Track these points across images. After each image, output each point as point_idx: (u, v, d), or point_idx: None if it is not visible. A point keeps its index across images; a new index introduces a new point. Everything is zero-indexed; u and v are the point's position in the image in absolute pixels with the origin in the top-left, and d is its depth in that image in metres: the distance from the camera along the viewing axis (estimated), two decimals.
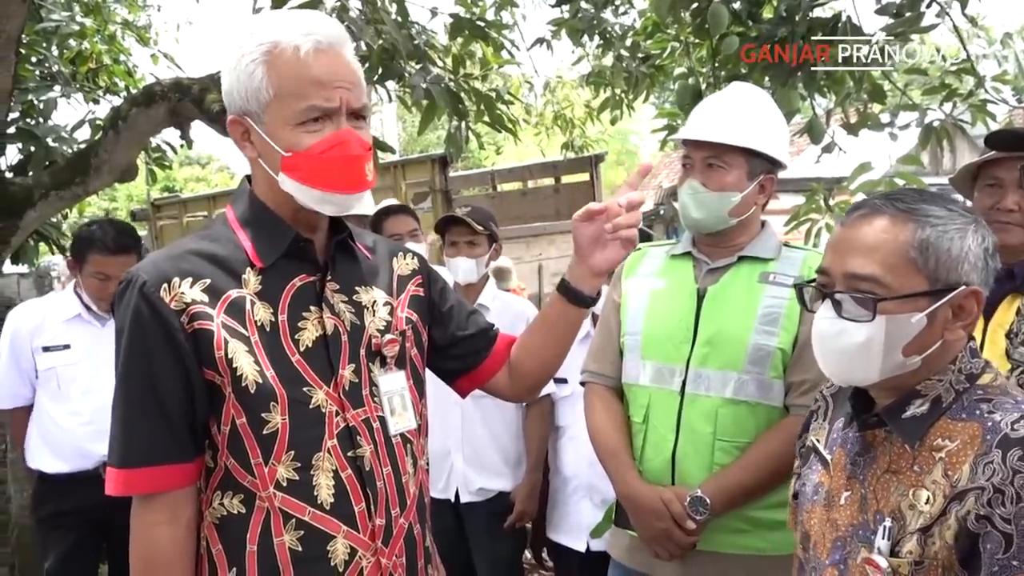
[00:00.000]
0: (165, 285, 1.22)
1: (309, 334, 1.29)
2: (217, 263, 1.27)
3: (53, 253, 5.13)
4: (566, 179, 7.94)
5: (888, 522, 1.09)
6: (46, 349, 2.70)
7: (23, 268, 4.65)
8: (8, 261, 3.99)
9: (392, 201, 3.91)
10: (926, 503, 1.07)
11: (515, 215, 7.51)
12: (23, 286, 3.75)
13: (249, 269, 1.28)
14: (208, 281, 1.25)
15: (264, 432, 1.24)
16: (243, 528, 1.26)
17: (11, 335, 2.72)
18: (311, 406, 1.27)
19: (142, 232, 11.81)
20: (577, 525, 2.69)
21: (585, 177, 7.75)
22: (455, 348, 1.52)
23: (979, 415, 1.08)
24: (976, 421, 1.08)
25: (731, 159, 1.83)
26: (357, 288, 1.37)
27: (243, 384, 1.23)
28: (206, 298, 1.24)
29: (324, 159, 1.23)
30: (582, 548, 2.69)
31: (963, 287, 1.10)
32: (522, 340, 1.55)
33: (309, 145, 1.23)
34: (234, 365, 1.23)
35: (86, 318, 2.76)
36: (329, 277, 1.33)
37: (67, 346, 2.72)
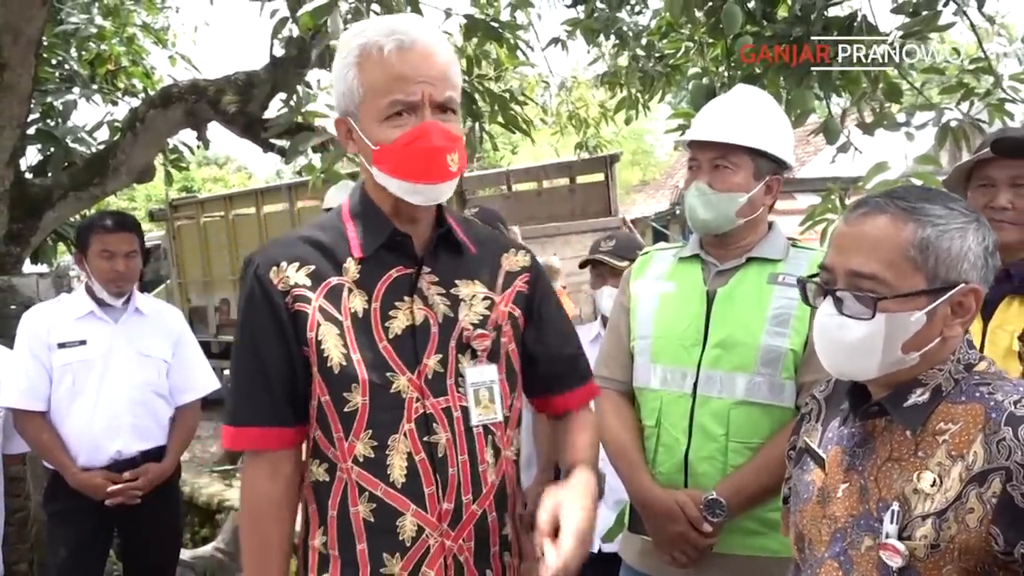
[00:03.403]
0: (274, 268, 1.35)
1: (399, 323, 1.36)
2: (323, 251, 1.38)
3: (72, 253, 5.20)
4: (581, 179, 7.94)
5: (895, 506, 1.10)
6: (62, 346, 2.72)
7: (42, 268, 4.71)
8: (28, 261, 4.04)
9: None
10: (932, 486, 1.08)
11: (530, 215, 7.52)
12: (42, 286, 3.80)
13: (350, 259, 1.37)
14: (313, 267, 1.36)
15: (345, 410, 1.34)
16: (327, 494, 1.37)
17: (29, 336, 2.73)
18: (392, 391, 1.34)
19: (160, 232, 11.92)
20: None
21: (600, 177, 7.75)
22: (536, 363, 1.52)
23: (979, 397, 1.10)
24: (977, 403, 1.09)
25: (737, 159, 1.82)
26: (457, 282, 1.42)
27: (328, 365, 1.33)
28: (309, 282, 1.35)
29: (408, 151, 1.30)
30: (593, 548, 2.69)
31: (962, 285, 1.11)
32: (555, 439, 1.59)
33: (395, 138, 1.31)
34: (322, 347, 1.33)
35: (99, 315, 2.79)
36: (428, 269, 1.40)
37: (83, 342, 2.74)
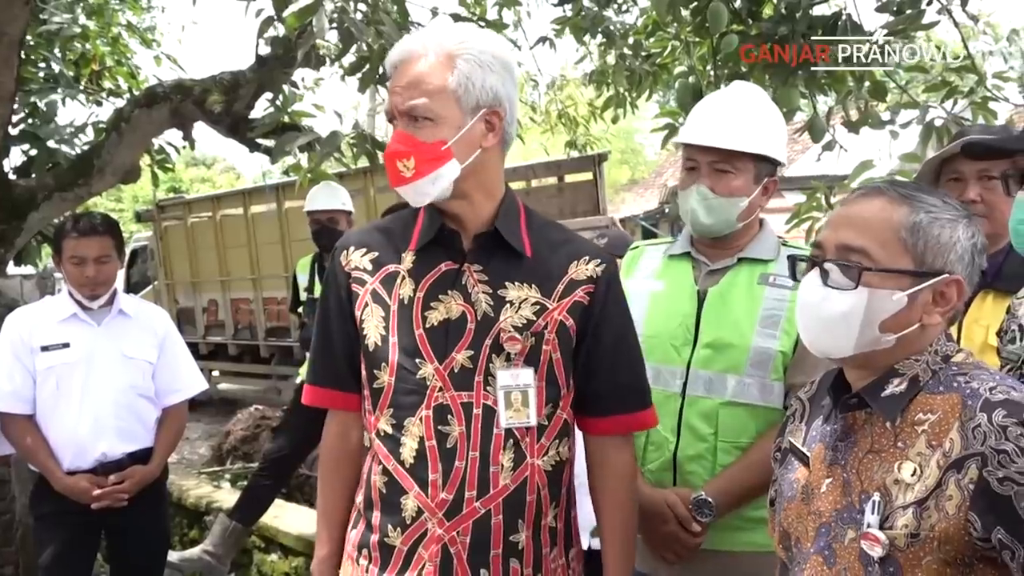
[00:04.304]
0: (345, 251, 1.51)
1: (437, 314, 1.43)
2: (389, 239, 1.50)
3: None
4: (569, 178, 7.94)
5: (876, 496, 1.11)
6: (45, 348, 2.70)
7: (27, 269, 4.67)
8: (12, 262, 4.01)
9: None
10: (912, 475, 1.09)
11: None
12: (27, 287, 3.78)
13: (409, 248, 1.47)
14: (376, 254, 1.49)
15: (374, 386, 1.46)
16: (366, 458, 1.51)
17: (11, 340, 2.71)
18: (417, 376, 1.41)
19: (147, 233, 11.84)
20: (579, 523, 2.69)
21: (588, 176, 7.75)
22: (580, 379, 1.51)
23: (957, 387, 1.12)
24: (955, 392, 1.11)
25: (740, 164, 1.81)
26: (507, 283, 1.44)
27: (366, 342, 1.46)
28: (370, 267, 1.48)
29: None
30: (584, 546, 2.69)
31: (946, 275, 1.14)
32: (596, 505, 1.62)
33: None
34: (363, 326, 1.46)
35: (82, 317, 2.76)
36: (479, 268, 1.44)
37: (66, 344, 2.72)
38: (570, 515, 1.58)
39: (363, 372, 1.48)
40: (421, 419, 1.40)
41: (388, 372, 1.43)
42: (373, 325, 1.45)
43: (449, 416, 1.40)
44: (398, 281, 1.45)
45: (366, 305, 1.46)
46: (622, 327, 1.54)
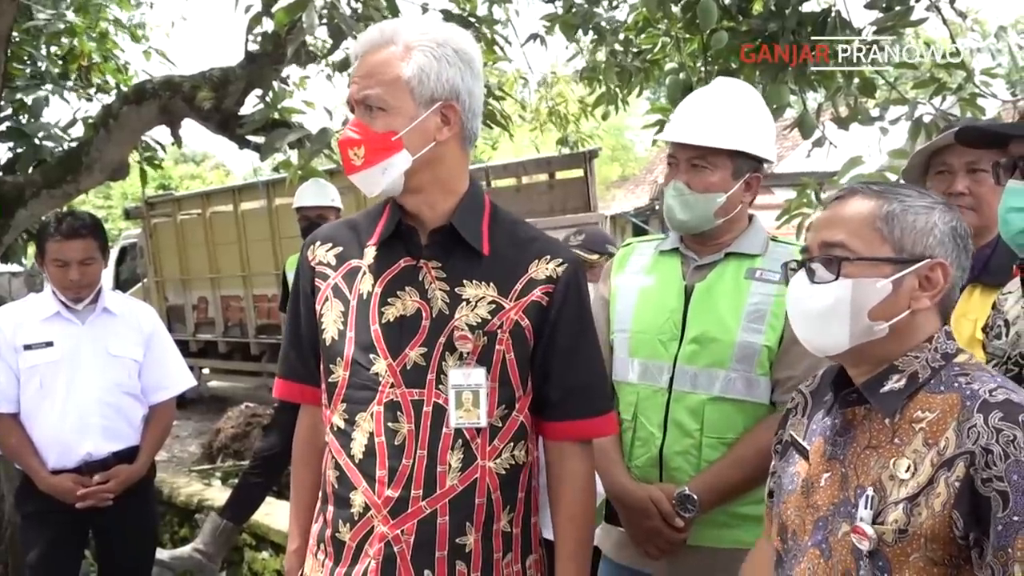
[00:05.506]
0: (312, 246, 1.52)
1: (394, 310, 1.41)
2: (355, 234, 1.50)
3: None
4: (560, 175, 7.95)
5: (870, 491, 1.13)
6: (28, 347, 2.68)
7: (15, 267, 4.64)
8: None
9: None
10: (907, 471, 1.11)
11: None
12: (14, 284, 3.75)
13: (371, 243, 1.46)
14: (341, 249, 1.49)
15: (330, 380, 1.46)
16: (326, 452, 1.50)
17: None
18: (370, 371, 1.40)
19: (136, 230, 11.78)
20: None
21: (579, 173, 7.76)
22: (536, 382, 1.47)
23: (957, 387, 1.13)
24: (955, 392, 1.12)
25: (716, 160, 1.81)
26: (465, 281, 1.42)
27: (323, 337, 1.46)
28: (334, 262, 1.48)
29: None
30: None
31: (928, 259, 1.16)
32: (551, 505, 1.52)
33: None
34: (322, 320, 1.47)
35: (65, 316, 2.74)
36: (437, 264, 1.42)
37: (50, 343, 2.70)
38: (529, 521, 1.52)
39: (322, 367, 1.48)
40: (372, 415, 1.39)
41: (343, 367, 1.42)
42: (331, 320, 1.45)
43: (399, 413, 1.38)
44: (359, 276, 1.45)
45: (326, 300, 1.46)
46: (579, 329, 1.48)
